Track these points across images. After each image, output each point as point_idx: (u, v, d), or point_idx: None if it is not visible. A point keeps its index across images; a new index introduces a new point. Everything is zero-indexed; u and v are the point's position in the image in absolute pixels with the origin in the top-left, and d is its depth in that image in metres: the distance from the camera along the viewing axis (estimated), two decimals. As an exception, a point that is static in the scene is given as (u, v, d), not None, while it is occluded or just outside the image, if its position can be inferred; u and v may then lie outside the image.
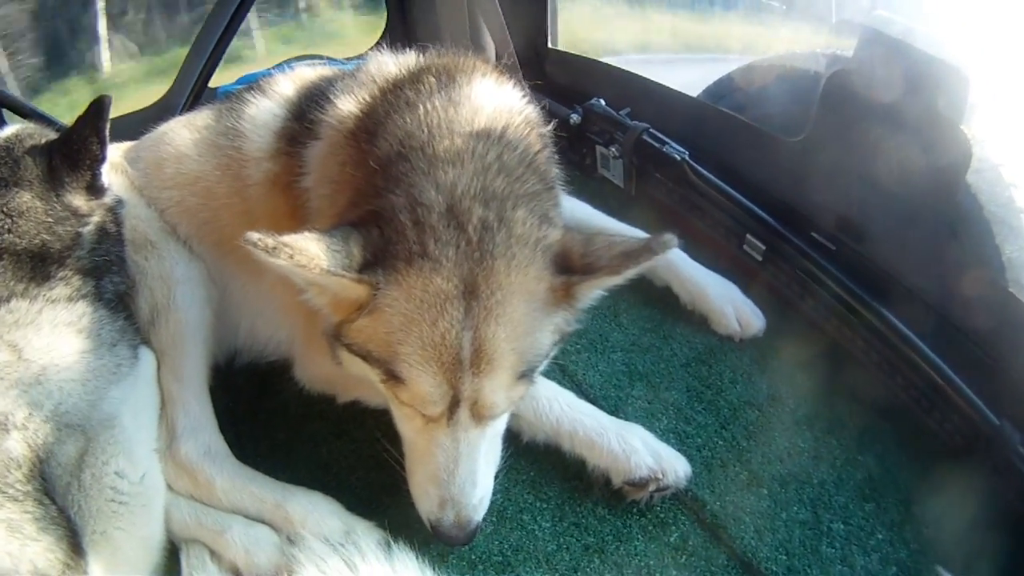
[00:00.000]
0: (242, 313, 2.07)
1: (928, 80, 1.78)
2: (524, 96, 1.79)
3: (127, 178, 2.09)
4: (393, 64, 1.84)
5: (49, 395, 1.51)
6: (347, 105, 1.76)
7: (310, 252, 1.31)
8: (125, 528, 1.53)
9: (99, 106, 1.73)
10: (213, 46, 2.96)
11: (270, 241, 1.28)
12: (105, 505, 1.51)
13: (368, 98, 1.74)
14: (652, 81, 2.90)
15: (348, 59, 3.05)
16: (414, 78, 1.72)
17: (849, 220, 2.09)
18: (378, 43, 3.43)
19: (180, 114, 2.73)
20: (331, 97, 1.82)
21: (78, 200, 1.77)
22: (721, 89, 3.02)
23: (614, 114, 2.77)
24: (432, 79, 1.69)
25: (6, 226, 1.66)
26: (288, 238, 1.31)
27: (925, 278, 1.90)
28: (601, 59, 3.32)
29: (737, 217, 2.36)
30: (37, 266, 1.66)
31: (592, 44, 4.38)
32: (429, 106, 1.60)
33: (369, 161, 1.55)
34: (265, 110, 1.99)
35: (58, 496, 1.46)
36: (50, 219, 1.71)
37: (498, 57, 3.09)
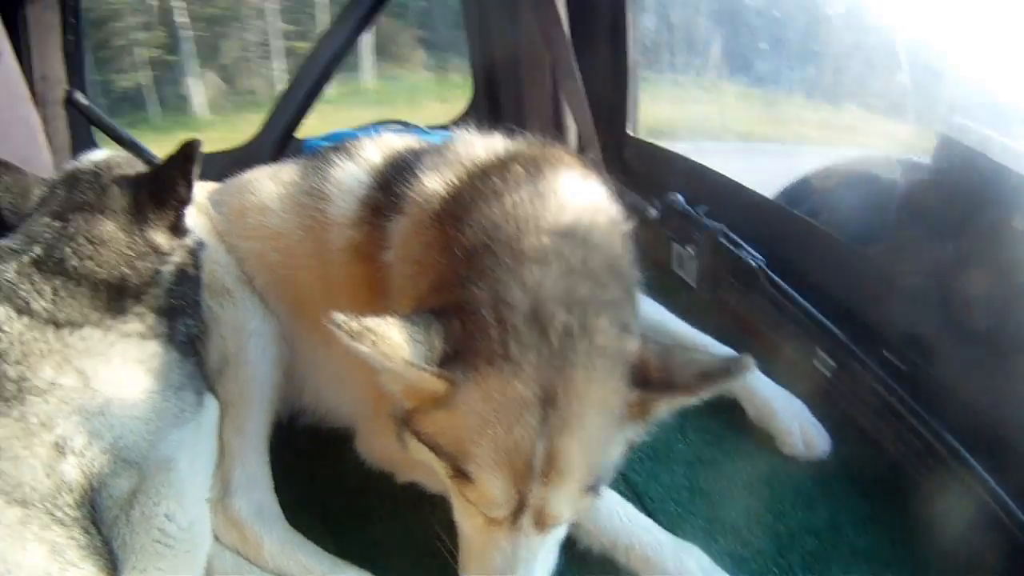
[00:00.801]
0: (309, 375, 2.07)
1: (1004, 194, 1.74)
2: (608, 193, 1.79)
3: (210, 221, 2.12)
4: (481, 147, 1.84)
5: (110, 428, 1.54)
6: (433, 184, 1.77)
7: (393, 341, 1.31)
8: (165, 570, 1.53)
9: (190, 150, 1.75)
10: (303, 97, 2.99)
11: (355, 326, 1.29)
12: (150, 544, 1.52)
13: (455, 180, 1.75)
14: (731, 180, 2.89)
15: (431, 127, 3.10)
16: (502, 165, 1.73)
17: (922, 339, 2.03)
18: (463, 116, 3.48)
19: (265, 162, 2.80)
20: (417, 172, 1.83)
21: (160, 237, 1.79)
22: (798, 192, 3.00)
23: (692, 212, 2.76)
24: (520, 169, 1.69)
25: (87, 252, 1.68)
26: (372, 323, 1.31)
27: (997, 406, 1.82)
28: (676, 143, 3.33)
29: (809, 330, 2.31)
30: (114, 298, 1.69)
31: (665, 127, 4.38)
32: (516, 198, 1.60)
33: (454, 248, 1.55)
34: (351, 175, 2.00)
35: (104, 526, 1.47)
36: (131, 252, 1.73)
37: (580, 140, 3.11)
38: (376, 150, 2.07)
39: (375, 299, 1.81)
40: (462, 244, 1.55)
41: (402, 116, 3.38)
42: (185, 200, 1.81)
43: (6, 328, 1.55)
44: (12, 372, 1.50)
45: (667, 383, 1.41)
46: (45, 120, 2.79)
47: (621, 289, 1.55)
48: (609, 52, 3.24)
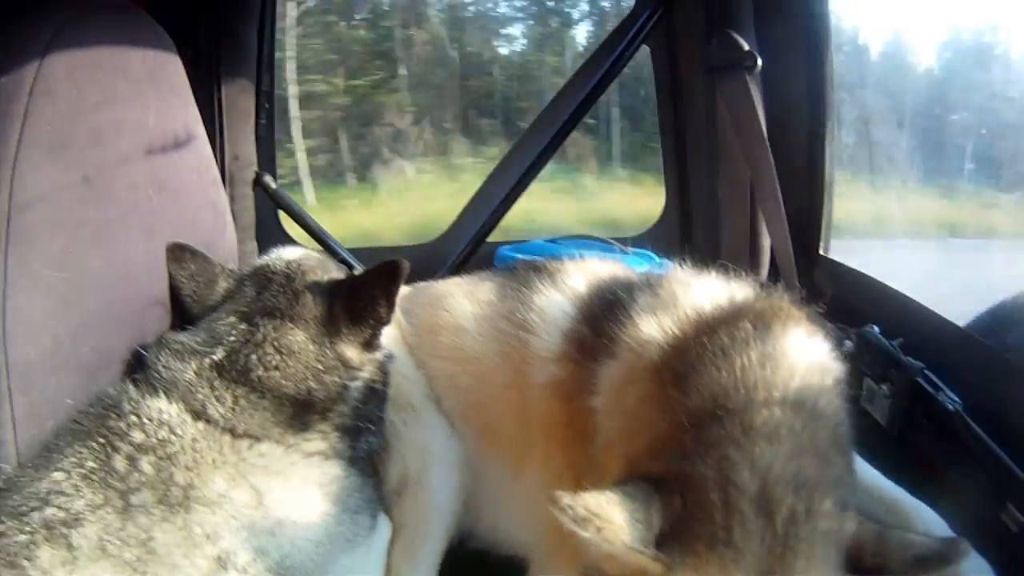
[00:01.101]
0: (488, 503, 1.96)
1: None
2: (832, 350, 1.65)
3: (399, 330, 2.06)
4: (704, 295, 1.72)
5: (279, 547, 1.47)
6: (651, 331, 1.66)
7: (615, 523, 1.22)
8: None
9: (394, 271, 1.68)
10: (501, 200, 2.93)
11: (580, 511, 1.19)
12: (305, 665, 1.44)
13: (676, 331, 1.63)
14: (929, 310, 2.64)
15: (622, 240, 3.01)
16: (729, 321, 1.60)
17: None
18: (655, 227, 3.39)
19: (453, 261, 2.78)
20: (630, 312, 1.72)
21: (351, 352, 1.70)
22: (994, 320, 2.71)
23: (890, 348, 2.53)
24: (749, 326, 1.56)
25: (274, 362, 1.61)
26: (596, 506, 1.21)
27: None
28: (868, 240, 3.08)
29: (1000, 481, 2.04)
30: (298, 413, 1.60)
31: (858, 225, 4.16)
32: (746, 360, 1.48)
33: (679, 413, 1.44)
34: (555, 305, 1.91)
35: None
36: (320, 366, 1.64)
37: (773, 262, 2.95)
38: (581, 278, 1.98)
39: (574, 441, 1.73)
40: (687, 408, 1.45)
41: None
42: (384, 321, 1.72)
43: (179, 431, 1.48)
44: (181, 478, 1.43)
45: (880, 568, 1.29)
46: (233, 199, 2.86)
47: (843, 462, 1.44)
48: (804, 170, 3.08)
